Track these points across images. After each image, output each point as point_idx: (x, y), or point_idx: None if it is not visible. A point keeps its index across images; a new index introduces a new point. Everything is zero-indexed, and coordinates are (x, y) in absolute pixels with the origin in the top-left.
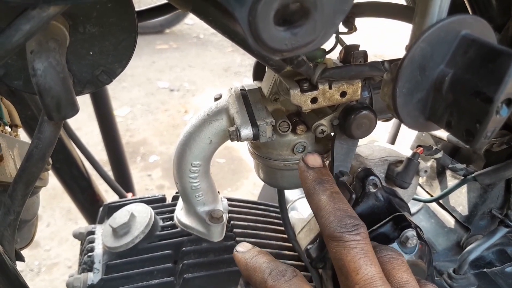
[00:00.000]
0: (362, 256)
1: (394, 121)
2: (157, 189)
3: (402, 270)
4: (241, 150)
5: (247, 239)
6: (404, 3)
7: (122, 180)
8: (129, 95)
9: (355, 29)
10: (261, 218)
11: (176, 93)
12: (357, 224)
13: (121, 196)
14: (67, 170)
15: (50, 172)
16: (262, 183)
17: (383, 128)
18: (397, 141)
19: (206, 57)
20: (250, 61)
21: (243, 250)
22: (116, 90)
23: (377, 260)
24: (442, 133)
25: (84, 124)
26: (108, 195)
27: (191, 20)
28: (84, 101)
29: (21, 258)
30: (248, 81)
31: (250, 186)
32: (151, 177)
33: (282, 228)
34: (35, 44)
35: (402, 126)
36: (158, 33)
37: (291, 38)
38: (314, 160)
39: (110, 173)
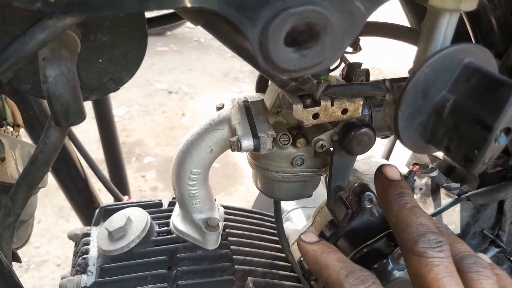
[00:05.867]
0: (446, 274)
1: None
2: (151, 190)
3: None
4: (236, 156)
5: (241, 248)
6: (408, 24)
7: (118, 182)
8: (127, 95)
9: (360, 49)
10: (256, 227)
11: (174, 96)
12: (440, 241)
13: (116, 198)
14: (65, 171)
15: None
16: (256, 189)
17: (378, 143)
18: (392, 156)
19: (206, 61)
20: (249, 67)
21: (310, 240)
22: None
23: (461, 281)
24: (438, 152)
25: None
26: (101, 194)
27: None
28: None
29: (17, 259)
30: (246, 87)
31: (244, 192)
32: (145, 178)
33: (277, 238)
34: (47, 51)
35: (398, 141)
36: (159, 35)
37: (299, 59)
38: (393, 172)
39: (105, 172)
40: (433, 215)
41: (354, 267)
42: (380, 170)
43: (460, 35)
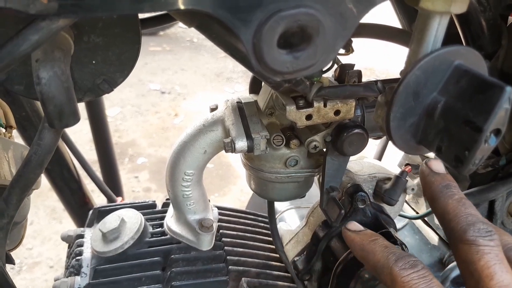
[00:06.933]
0: (497, 262)
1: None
2: (144, 191)
3: None
4: (230, 157)
5: (235, 249)
6: (399, 26)
7: (111, 183)
8: (120, 96)
9: (352, 51)
10: (250, 228)
11: (167, 96)
12: (490, 230)
13: (110, 199)
14: (58, 172)
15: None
16: (250, 190)
17: (371, 143)
18: (384, 156)
19: (198, 61)
20: (242, 67)
21: (355, 229)
22: None
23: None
24: (430, 153)
25: None
26: (94, 195)
27: None
28: None
29: (11, 261)
30: (239, 88)
31: (237, 192)
32: (138, 179)
33: (270, 239)
34: (40, 53)
35: (390, 142)
36: (151, 35)
37: (292, 62)
38: (438, 165)
39: (98, 173)
40: (425, 214)
41: (402, 253)
42: (425, 164)
43: (450, 37)
